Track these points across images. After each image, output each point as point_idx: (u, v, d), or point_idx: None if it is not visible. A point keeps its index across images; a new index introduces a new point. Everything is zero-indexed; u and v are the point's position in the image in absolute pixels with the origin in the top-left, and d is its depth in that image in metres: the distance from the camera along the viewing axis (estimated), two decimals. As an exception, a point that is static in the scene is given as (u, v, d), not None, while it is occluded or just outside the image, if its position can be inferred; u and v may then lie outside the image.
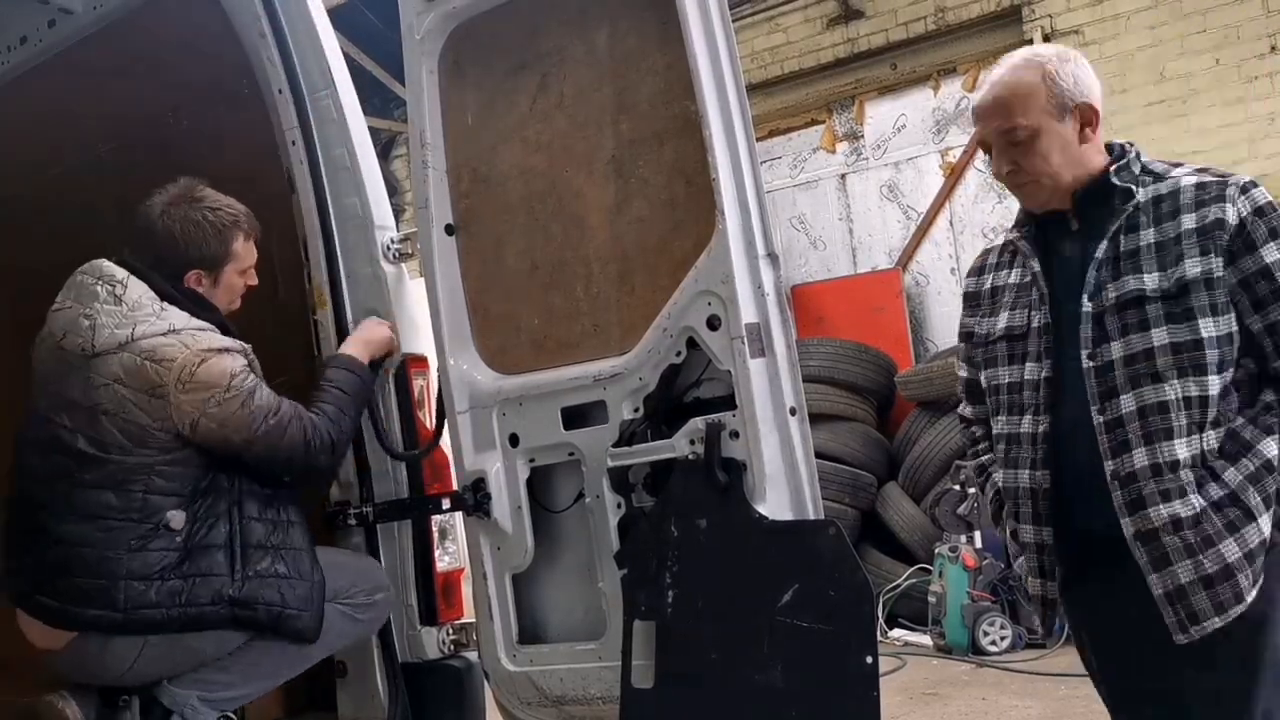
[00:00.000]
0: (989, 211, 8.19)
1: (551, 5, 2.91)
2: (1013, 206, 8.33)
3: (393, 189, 8.75)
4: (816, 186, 8.92)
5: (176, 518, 2.77)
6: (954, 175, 8.31)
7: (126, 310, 2.82)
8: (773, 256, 2.59)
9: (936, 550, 6.90)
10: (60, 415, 2.83)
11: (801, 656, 2.46)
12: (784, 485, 2.54)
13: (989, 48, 8.14)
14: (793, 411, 2.56)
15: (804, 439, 2.57)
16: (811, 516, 2.57)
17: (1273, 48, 7.04)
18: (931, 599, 6.88)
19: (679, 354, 2.67)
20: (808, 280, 8.86)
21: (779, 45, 8.81)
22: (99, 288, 2.85)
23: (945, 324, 8.42)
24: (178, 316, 2.85)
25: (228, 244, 2.96)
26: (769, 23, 8.81)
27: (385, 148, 10.10)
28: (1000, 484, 2.48)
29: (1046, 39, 7.73)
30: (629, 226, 2.80)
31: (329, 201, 3.21)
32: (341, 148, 3.22)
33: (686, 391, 2.75)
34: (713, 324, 2.58)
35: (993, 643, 6.56)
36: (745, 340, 2.54)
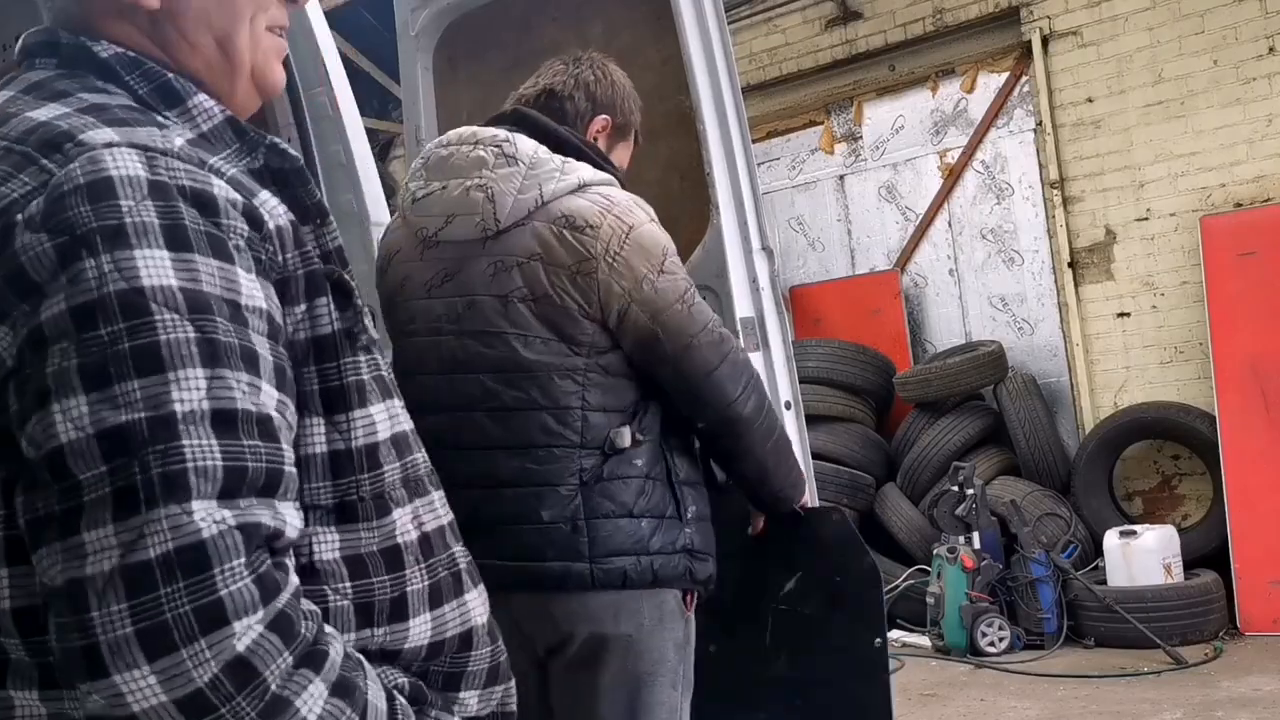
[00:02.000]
0: (988, 213, 8.18)
1: (545, 1, 2.92)
2: (1012, 208, 8.27)
3: (390, 190, 8.75)
4: (814, 188, 8.91)
5: (623, 435, 2.17)
6: (952, 176, 8.29)
7: (526, 169, 2.20)
8: (767, 250, 2.59)
9: (935, 551, 6.88)
10: (457, 324, 2.22)
11: (809, 642, 2.46)
12: (780, 480, 2.53)
13: (987, 49, 8.13)
14: (788, 405, 2.56)
15: (800, 433, 2.57)
16: (809, 510, 2.57)
17: (1271, 49, 7.04)
18: (930, 600, 6.87)
19: (674, 349, 2.66)
20: (806, 281, 8.85)
21: (777, 46, 8.80)
22: (482, 151, 2.23)
23: (944, 325, 8.42)
24: (585, 170, 2.24)
25: (636, 113, 2.47)
26: (767, 24, 8.80)
27: (383, 149, 10.10)
28: None
29: (1045, 40, 7.73)
30: (624, 222, 2.80)
31: (324, 198, 3.21)
32: (337, 144, 3.21)
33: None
34: (708, 319, 2.58)
35: (991, 644, 6.55)
36: (740, 335, 2.55)
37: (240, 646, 0.97)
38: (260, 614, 0.99)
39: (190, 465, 0.99)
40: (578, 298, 2.14)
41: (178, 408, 1.00)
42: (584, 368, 2.15)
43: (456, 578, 1.27)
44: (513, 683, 1.34)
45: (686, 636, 2.27)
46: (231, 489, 1.01)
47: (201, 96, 1.21)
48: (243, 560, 0.99)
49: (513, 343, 2.16)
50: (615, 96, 2.40)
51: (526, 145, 2.23)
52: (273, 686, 0.99)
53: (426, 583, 1.22)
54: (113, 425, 0.98)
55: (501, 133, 2.25)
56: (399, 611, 1.19)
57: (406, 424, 1.27)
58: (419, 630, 1.20)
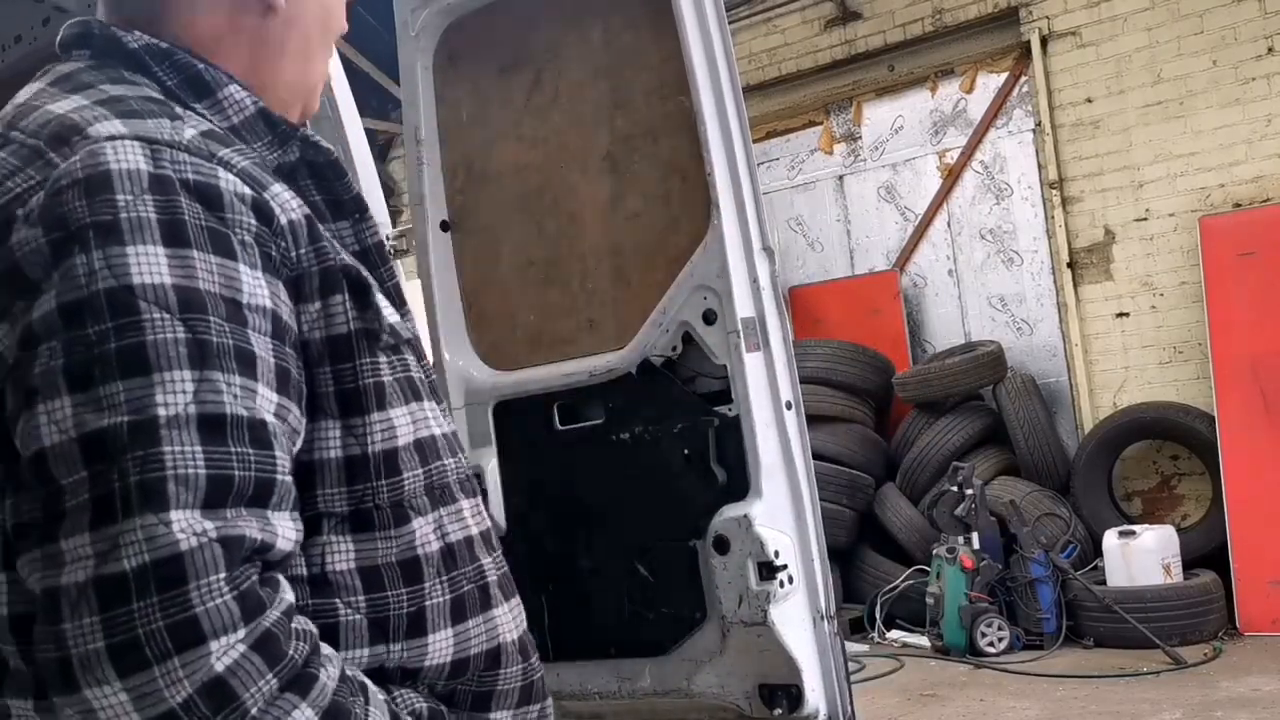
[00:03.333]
0: (986, 213, 8.18)
1: (545, 1, 2.91)
2: (1011, 209, 8.26)
3: (390, 190, 8.75)
4: (814, 188, 8.91)
5: None
6: (951, 177, 8.29)
7: None
8: (768, 250, 2.59)
9: (934, 551, 6.88)
10: None
11: None
12: (781, 479, 2.54)
13: (987, 49, 8.13)
14: (789, 405, 2.56)
15: (800, 432, 2.57)
16: (809, 510, 2.57)
17: (1270, 49, 7.04)
18: (929, 600, 6.87)
19: (675, 349, 2.66)
20: (805, 282, 8.84)
21: (776, 47, 8.80)
22: None
23: (943, 326, 8.41)
24: None
25: None
26: (766, 24, 8.80)
27: (383, 149, 10.09)
28: None
29: (1044, 40, 7.73)
30: (624, 222, 2.80)
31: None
32: (336, 144, 3.21)
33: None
34: (709, 318, 2.58)
35: (990, 644, 6.55)
36: (741, 334, 2.55)
37: (219, 667, 0.92)
38: (242, 633, 0.94)
39: (170, 473, 0.94)
40: None
41: (161, 412, 0.95)
42: None
43: (483, 591, 1.20)
44: (549, 701, 1.27)
45: None
46: (216, 499, 0.96)
47: (233, 88, 1.18)
48: (223, 575, 0.94)
49: None
50: None
51: None
52: (252, 711, 0.93)
53: (448, 596, 1.16)
54: (94, 429, 0.94)
55: None
56: (417, 627, 1.13)
57: (437, 428, 1.21)
58: (439, 646, 1.15)
